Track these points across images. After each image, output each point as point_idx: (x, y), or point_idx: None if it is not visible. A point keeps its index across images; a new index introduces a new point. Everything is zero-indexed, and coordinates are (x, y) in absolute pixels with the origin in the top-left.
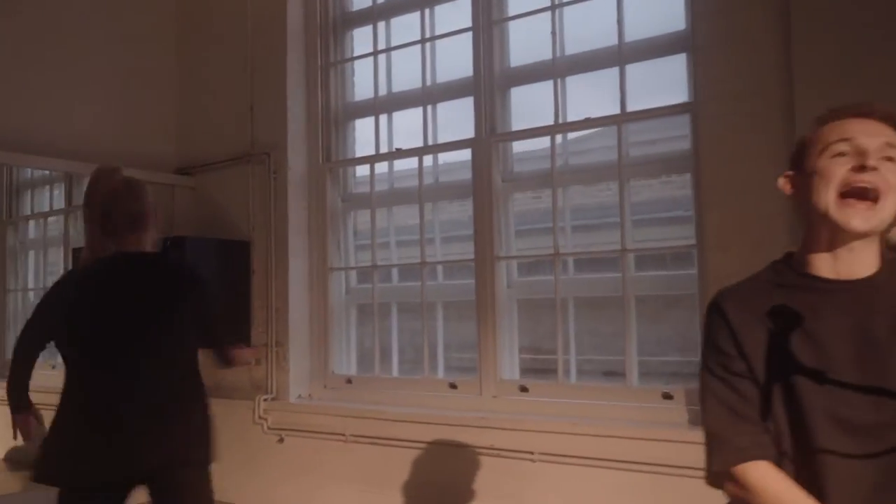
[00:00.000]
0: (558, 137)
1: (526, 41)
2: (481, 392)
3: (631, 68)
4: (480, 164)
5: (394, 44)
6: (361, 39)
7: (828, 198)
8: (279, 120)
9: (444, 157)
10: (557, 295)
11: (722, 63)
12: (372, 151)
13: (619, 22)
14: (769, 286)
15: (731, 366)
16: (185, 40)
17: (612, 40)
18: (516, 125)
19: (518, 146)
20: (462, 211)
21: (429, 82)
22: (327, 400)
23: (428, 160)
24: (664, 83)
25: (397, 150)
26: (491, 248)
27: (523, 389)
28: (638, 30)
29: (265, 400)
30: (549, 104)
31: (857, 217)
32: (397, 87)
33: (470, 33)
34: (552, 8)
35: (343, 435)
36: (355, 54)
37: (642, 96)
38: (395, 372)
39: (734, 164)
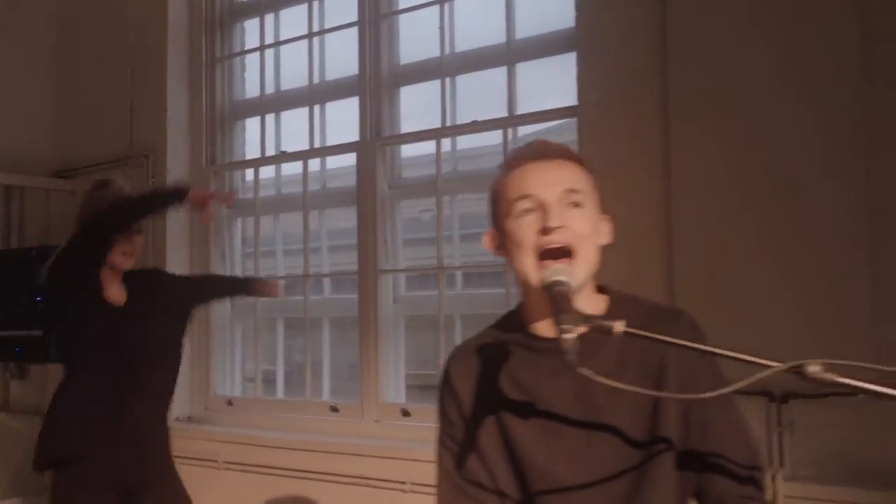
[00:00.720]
0: (447, 141)
1: (417, 37)
2: (363, 416)
3: (524, 67)
4: (365, 170)
5: (283, 38)
6: (253, 33)
7: (525, 265)
8: (158, 120)
9: (333, 162)
10: (441, 311)
11: (604, 64)
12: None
13: (509, 17)
14: (489, 344)
15: (454, 434)
16: (65, 35)
17: (504, 37)
18: (407, 127)
19: (408, 150)
20: (352, 219)
21: (317, 80)
22: (206, 423)
23: (316, 164)
24: (558, 84)
25: (282, 152)
26: (374, 260)
27: (405, 413)
28: (531, 26)
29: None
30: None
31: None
32: (287, 84)
33: (357, 28)
34: (440, 1)
35: (215, 461)
36: (243, 48)
37: (538, 97)
38: (279, 393)
39: (611, 175)
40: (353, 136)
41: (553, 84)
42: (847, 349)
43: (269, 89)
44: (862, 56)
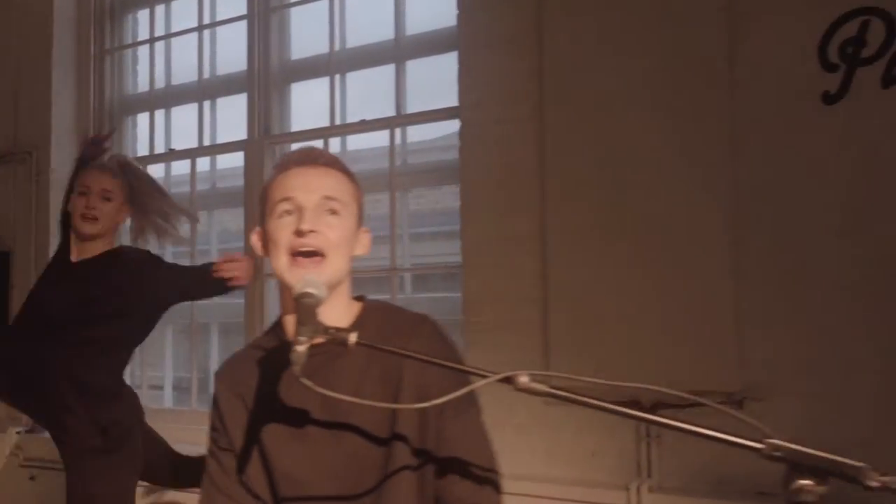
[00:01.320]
0: (336, 141)
1: (309, 32)
2: None
3: (413, 65)
4: (253, 169)
5: (174, 30)
6: (145, 24)
7: (280, 262)
8: (43, 115)
9: (225, 161)
10: None
11: (483, 66)
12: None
13: (398, 14)
14: (255, 353)
15: (219, 441)
16: None
17: (393, 33)
18: (298, 125)
19: None
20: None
21: (207, 75)
22: None
23: (206, 163)
24: (445, 84)
25: (171, 150)
26: (261, 263)
27: None
28: (421, 22)
29: (18, 433)
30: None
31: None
32: (177, 79)
33: (246, 21)
34: None
35: None
36: (135, 40)
37: (428, 97)
38: (167, 402)
39: (491, 178)
40: (243, 134)
41: (446, 83)
42: (711, 356)
43: (160, 84)
44: (728, 69)
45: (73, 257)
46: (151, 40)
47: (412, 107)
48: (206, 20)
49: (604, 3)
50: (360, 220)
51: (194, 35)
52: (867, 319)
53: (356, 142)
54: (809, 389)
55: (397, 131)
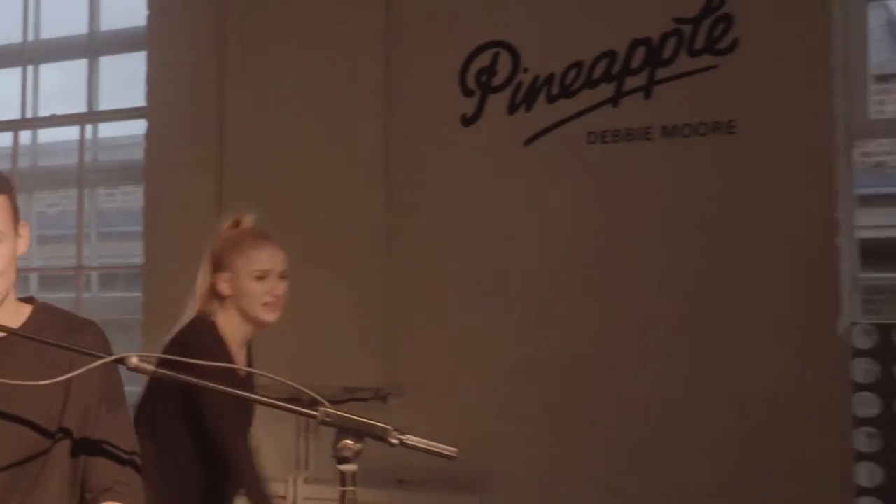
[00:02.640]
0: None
1: (2, 20)
2: None
3: (108, 62)
4: None
5: None
6: None
7: None
8: None
9: None
10: None
11: (169, 68)
12: None
13: (92, 7)
14: None
15: None
16: None
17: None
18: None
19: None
20: None
21: None
22: None
23: None
24: (136, 82)
25: None
26: None
27: None
28: (115, 19)
29: None
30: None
31: None
32: None
33: None
34: None
35: None
36: None
37: (122, 94)
38: None
39: (174, 179)
40: None
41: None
42: (361, 356)
43: None
44: (384, 89)
45: None
46: None
47: (108, 103)
48: None
49: (282, 19)
50: (17, 218)
51: None
52: (494, 327)
53: (49, 135)
54: (444, 387)
55: (88, 128)
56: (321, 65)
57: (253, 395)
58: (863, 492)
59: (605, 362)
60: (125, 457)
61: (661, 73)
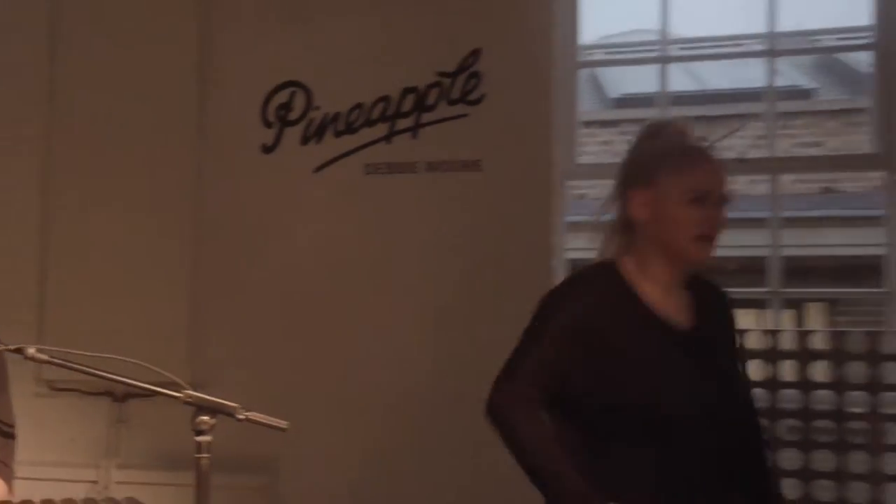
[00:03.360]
0: None
1: None
2: None
3: None
4: None
5: None
6: None
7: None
8: None
9: None
10: None
11: None
12: None
13: None
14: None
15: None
16: None
17: None
18: None
19: None
20: None
21: None
22: None
23: None
24: None
25: None
26: None
27: None
28: None
29: None
30: None
31: None
32: None
33: None
34: None
35: None
36: None
37: None
38: None
39: None
40: None
41: None
42: (169, 354)
43: None
44: (197, 117)
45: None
46: None
47: None
48: None
49: (109, 46)
50: None
51: None
52: (290, 335)
53: None
54: (244, 380)
55: None
56: (138, 92)
57: (128, 380)
58: None
59: (374, 363)
60: (6, 429)
61: (426, 117)
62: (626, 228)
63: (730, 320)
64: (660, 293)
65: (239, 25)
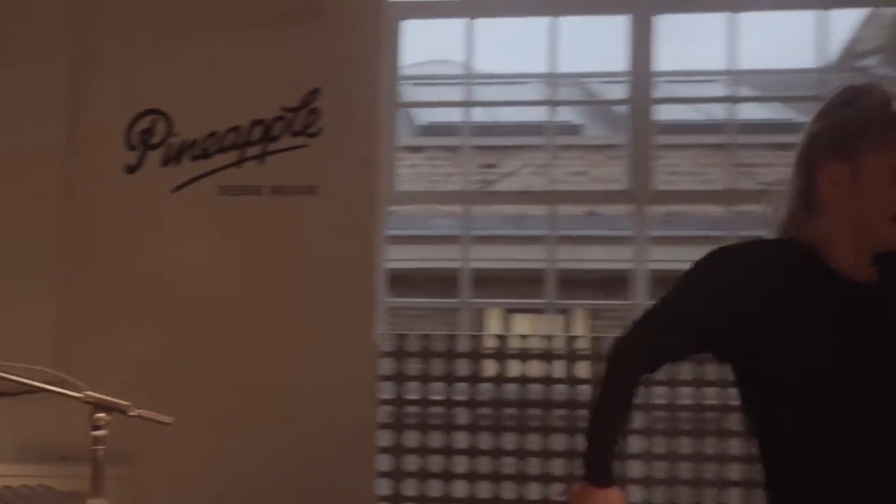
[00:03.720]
0: None
1: None
2: None
3: None
4: None
5: None
6: None
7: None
8: None
9: None
10: None
11: None
12: None
13: None
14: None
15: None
16: None
17: None
18: None
19: None
20: None
21: None
22: None
23: None
24: None
25: None
26: None
27: None
28: None
29: None
30: None
31: None
32: None
33: None
34: None
35: None
36: None
37: None
38: None
39: None
40: None
41: None
42: (31, 347)
43: None
44: (66, 138)
45: None
46: None
47: None
48: None
49: None
50: None
51: None
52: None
53: None
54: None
55: None
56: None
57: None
58: (382, 451)
59: (228, 369)
60: None
61: (272, 146)
62: (809, 206)
63: None
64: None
65: (109, 53)
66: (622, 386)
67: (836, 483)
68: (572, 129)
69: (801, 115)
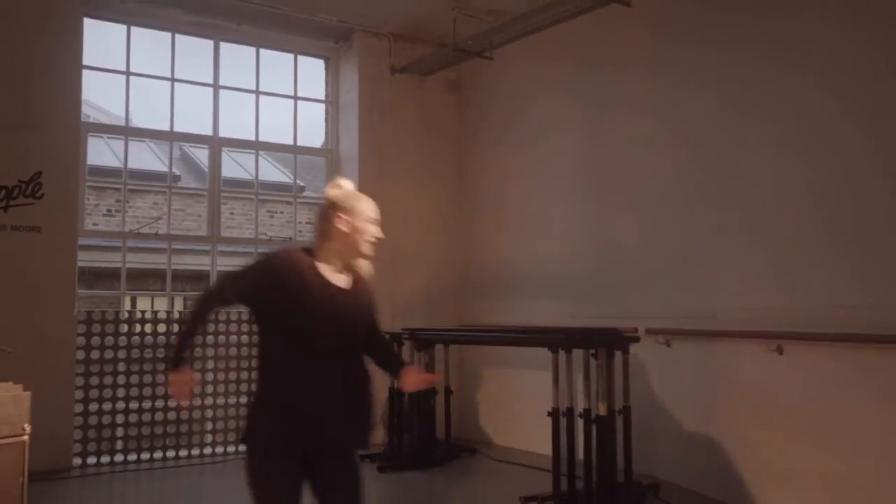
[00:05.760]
0: None
1: None
2: None
3: None
4: None
5: None
6: None
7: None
8: None
9: None
10: None
11: None
12: None
13: None
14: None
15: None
16: None
17: None
18: None
19: None
20: None
21: None
22: None
23: None
24: None
25: None
26: None
27: None
28: None
29: None
30: None
31: None
32: None
33: None
34: None
35: None
36: None
37: None
38: None
39: None
40: None
41: None
42: None
43: None
44: None
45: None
46: None
47: None
48: None
49: None
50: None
51: None
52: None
53: None
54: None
55: None
56: None
57: None
58: (77, 373)
59: None
60: None
61: (13, 202)
62: (324, 236)
63: (369, 293)
64: (331, 272)
65: None
66: (203, 312)
67: (301, 385)
68: (175, 178)
69: (309, 181)
